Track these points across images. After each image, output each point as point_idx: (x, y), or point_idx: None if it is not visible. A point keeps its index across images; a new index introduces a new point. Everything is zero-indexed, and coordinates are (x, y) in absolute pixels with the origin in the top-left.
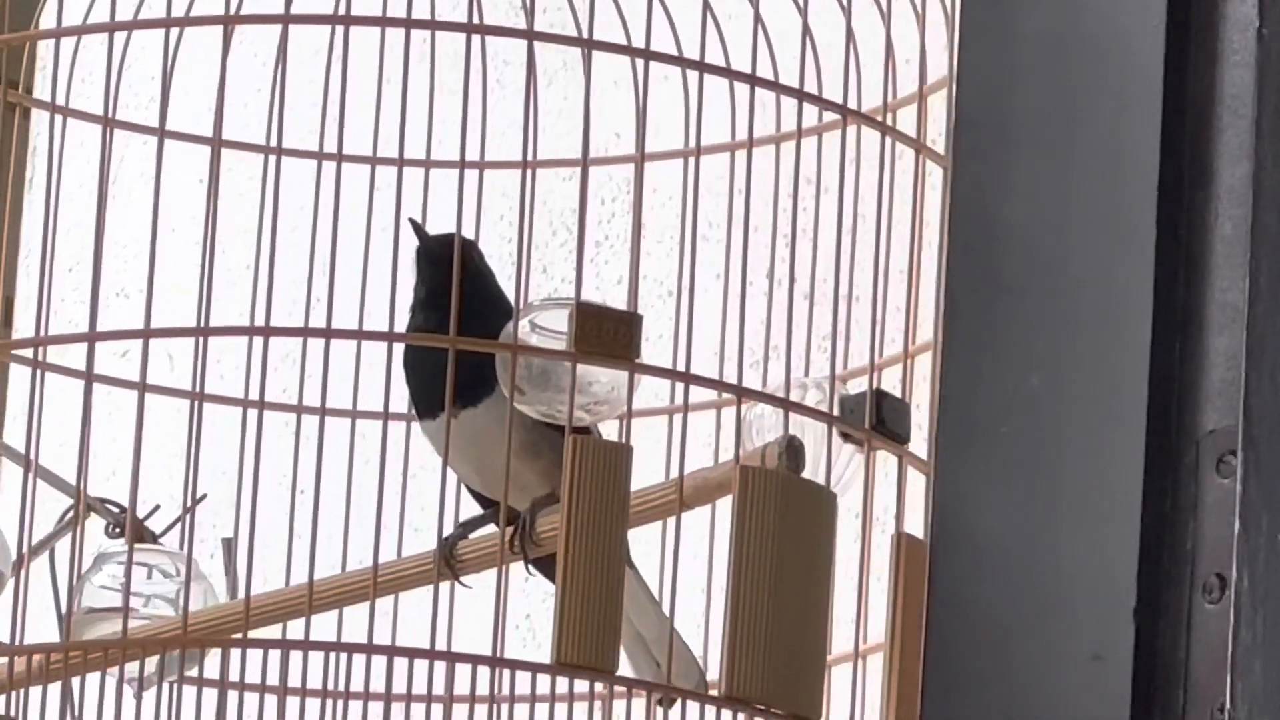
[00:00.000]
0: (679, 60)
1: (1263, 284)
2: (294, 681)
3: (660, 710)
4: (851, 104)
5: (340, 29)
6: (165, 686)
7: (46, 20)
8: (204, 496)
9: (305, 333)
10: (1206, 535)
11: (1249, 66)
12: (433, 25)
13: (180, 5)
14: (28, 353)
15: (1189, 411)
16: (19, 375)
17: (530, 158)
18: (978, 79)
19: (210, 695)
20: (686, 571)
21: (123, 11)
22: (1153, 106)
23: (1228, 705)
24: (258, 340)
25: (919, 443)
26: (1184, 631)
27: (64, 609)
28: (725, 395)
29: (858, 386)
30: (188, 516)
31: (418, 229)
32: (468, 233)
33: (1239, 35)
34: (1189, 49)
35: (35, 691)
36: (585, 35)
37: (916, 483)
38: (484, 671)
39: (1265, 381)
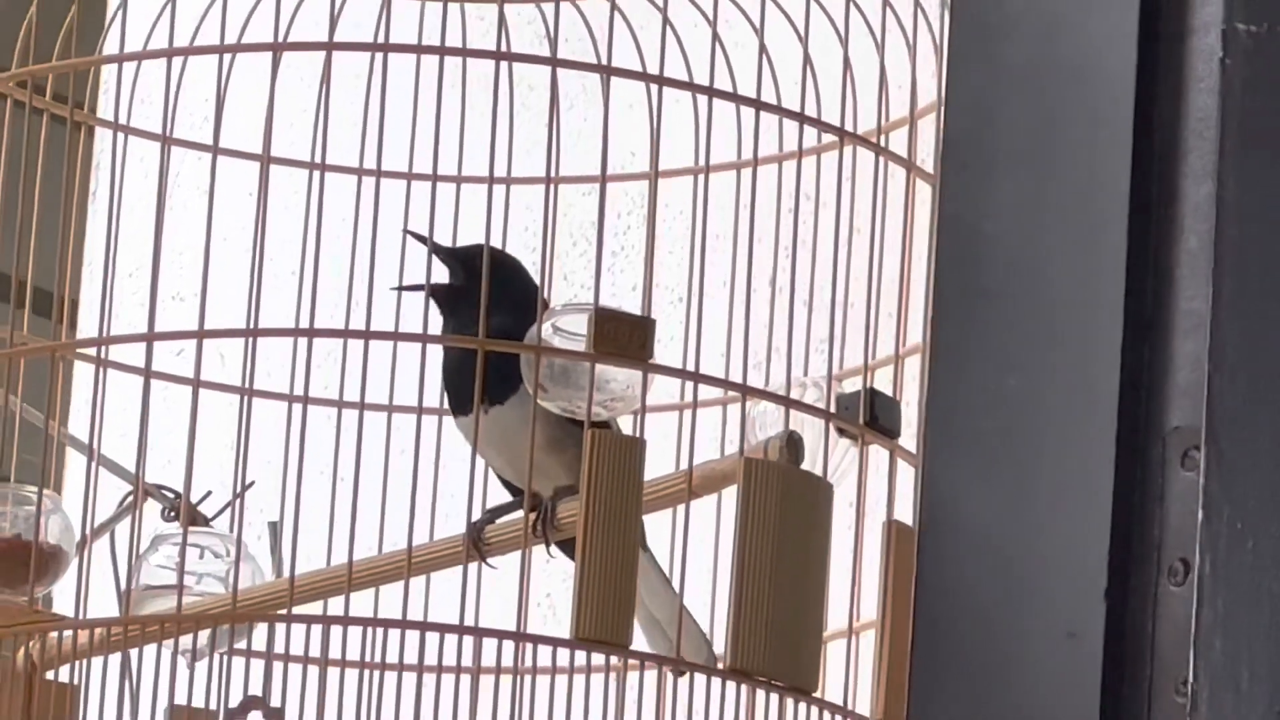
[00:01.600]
0: (690, 86)
1: (1225, 293)
2: (334, 654)
3: (670, 681)
4: (848, 127)
5: (379, 55)
6: (216, 658)
7: (110, 46)
8: (252, 483)
9: (346, 334)
10: (1171, 524)
11: (1213, 93)
12: (464, 53)
13: (232, 33)
14: (91, 351)
15: (1156, 410)
16: (83, 372)
17: (553, 174)
18: (963, 104)
19: (257, 666)
20: (695, 555)
21: (180, 38)
22: (1124, 130)
23: (1190, 679)
24: (302, 340)
25: (909, 437)
26: (1151, 611)
27: (123, 586)
28: (731, 393)
29: (853, 385)
30: (237, 502)
31: (423, 240)
32: (495, 243)
33: (1204, 65)
34: (1158, 77)
35: (96, 662)
36: (604, 62)
37: (906, 474)
38: (508, 646)
39: (1227, 383)
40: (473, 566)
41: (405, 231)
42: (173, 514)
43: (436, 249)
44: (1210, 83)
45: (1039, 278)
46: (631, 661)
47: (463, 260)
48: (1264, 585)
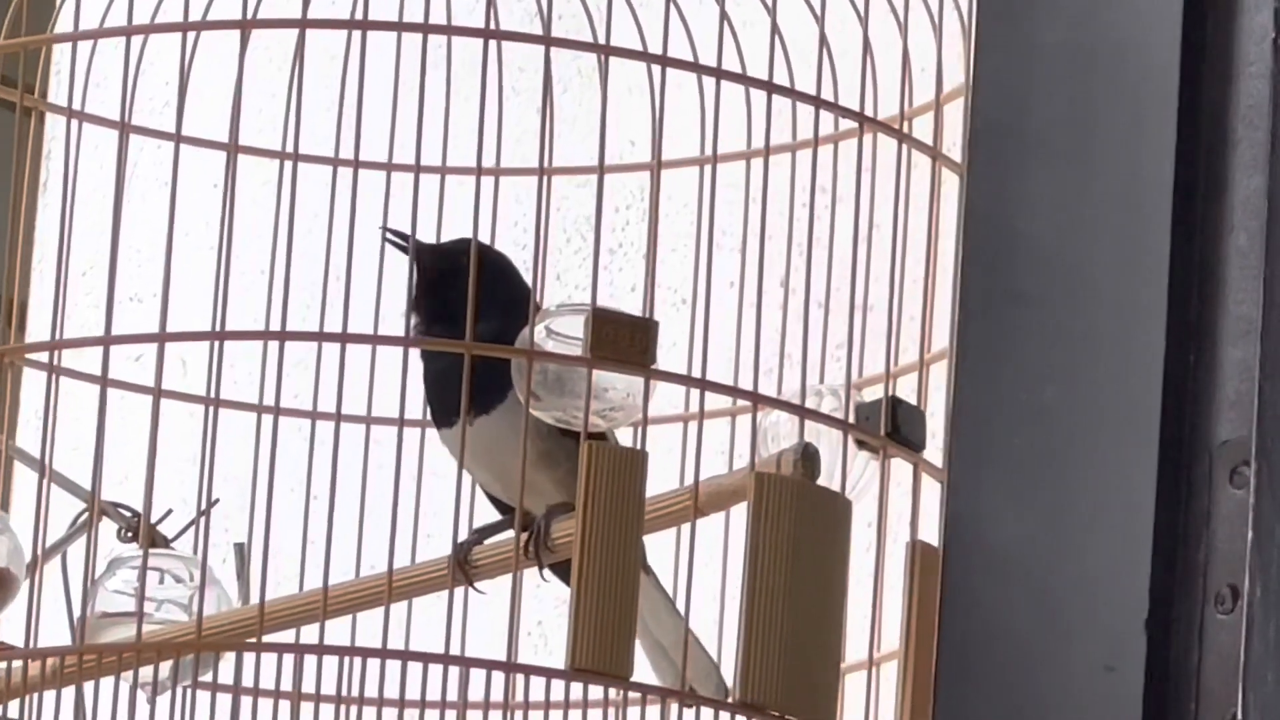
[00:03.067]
0: (695, 67)
1: (1277, 296)
2: (308, 687)
3: (676, 715)
4: (868, 112)
5: (357, 34)
6: (179, 691)
7: (63, 24)
8: (217, 501)
9: (320, 337)
10: (1219, 546)
11: (1265, 78)
12: (449, 31)
13: (196, 9)
14: (42, 357)
15: (1202, 422)
16: (33, 379)
17: (546, 164)
18: (994, 88)
19: (224, 700)
20: (701, 578)
21: (139, 15)
22: (1168, 117)
23: (1239, 715)
24: (272, 345)
25: (934, 451)
26: (1196, 642)
27: (77, 613)
28: (740, 402)
29: (873, 394)
30: (201, 521)
31: (404, 238)
32: (483, 239)
33: (1255, 47)
34: (1205, 60)
35: (49, 696)
36: (602, 42)
37: (931, 491)
38: (498, 677)
39: (1279, 394)
40: (459, 591)
41: (383, 229)
42: (131, 535)
43: (419, 248)
44: (1262, 66)
45: (1075, 279)
46: (633, 695)
47: (447, 258)
48: None
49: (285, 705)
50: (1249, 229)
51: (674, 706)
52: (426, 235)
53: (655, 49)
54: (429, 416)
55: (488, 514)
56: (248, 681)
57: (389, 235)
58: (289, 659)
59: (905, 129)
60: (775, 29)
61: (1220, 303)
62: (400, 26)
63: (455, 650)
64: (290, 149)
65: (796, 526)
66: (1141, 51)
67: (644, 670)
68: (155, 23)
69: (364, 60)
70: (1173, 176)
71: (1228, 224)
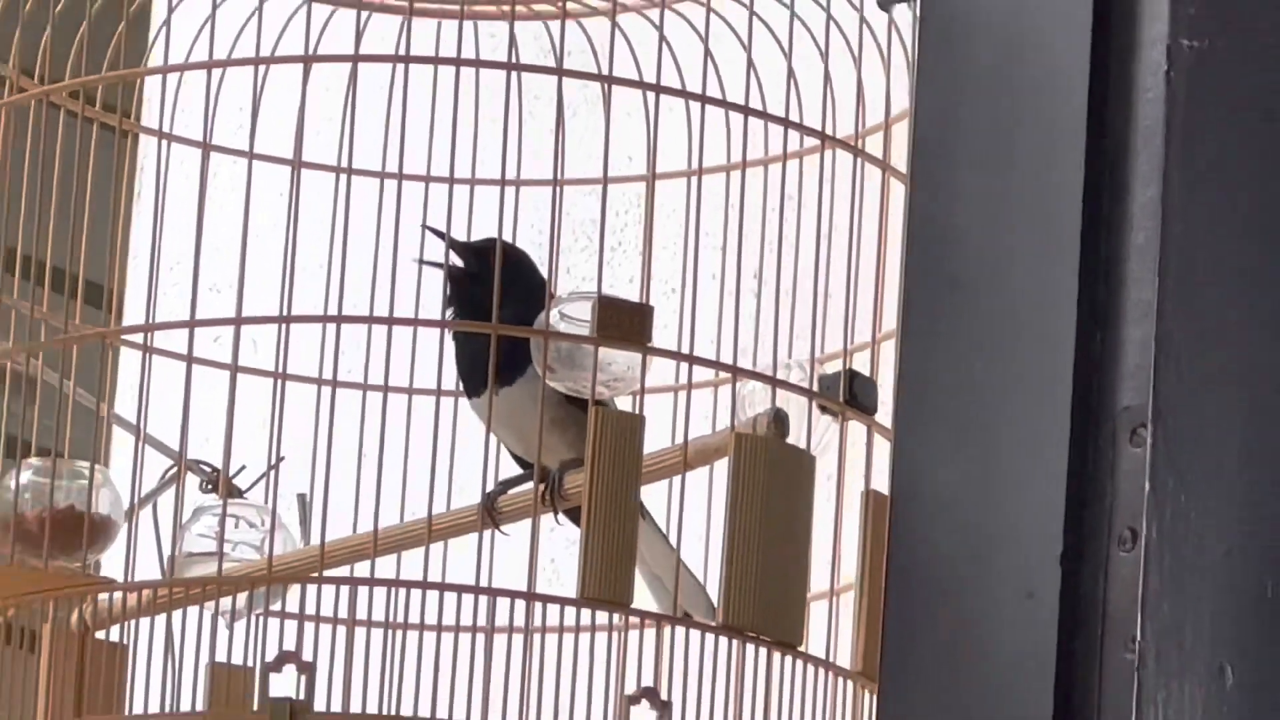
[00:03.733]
0: (683, 94)
1: (1170, 285)
2: (360, 614)
3: (669, 636)
4: (828, 131)
5: (401, 67)
6: (252, 618)
7: (154, 59)
8: (283, 459)
9: (370, 320)
10: (1121, 495)
11: (1159, 103)
12: (478, 64)
13: (266, 46)
14: (137, 338)
15: (1107, 391)
16: (130, 357)
17: (559, 176)
18: (932, 111)
19: (290, 626)
20: (689, 523)
21: (218, 52)
22: (1078, 135)
23: (1138, 637)
24: (330, 327)
25: (884, 414)
26: (1102, 575)
27: (167, 553)
28: (722, 374)
29: (833, 367)
30: (270, 475)
31: (440, 235)
32: (506, 239)
33: (1151, 78)
34: (1110, 87)
35: (143, 623)
36: (605, 73)
37: (882, 448)
38: (520, 605)
39: (1172, 366)
40: (486, 533)
41: (424, 227)
42: (211, 487)
43: (453, 242)
44: (1156, 93)
45: (1001, 270)
46: (633, 620)
47: (476, 253)
48: (1205, 551)
49: (341, 630)
50: (1146, 229)
51: (668, 629)
52: (458, 236)
53: (650, 79)
54: (461, 388)
55: (510, 469)
56: (310, 610)
57: (430, 228)
58: (344, 590)
59: (859, 145)
60: (750, 63)
61: (1123, 290)
62: (437, 60)
63: (484, 582)
64: (345, 164)
65: (769, 478)
66: (1056, 79)
67: (642, 599)
68: (231, 58)
69: (406, 89)
70: (1082, 184)
71: (1129, 224)
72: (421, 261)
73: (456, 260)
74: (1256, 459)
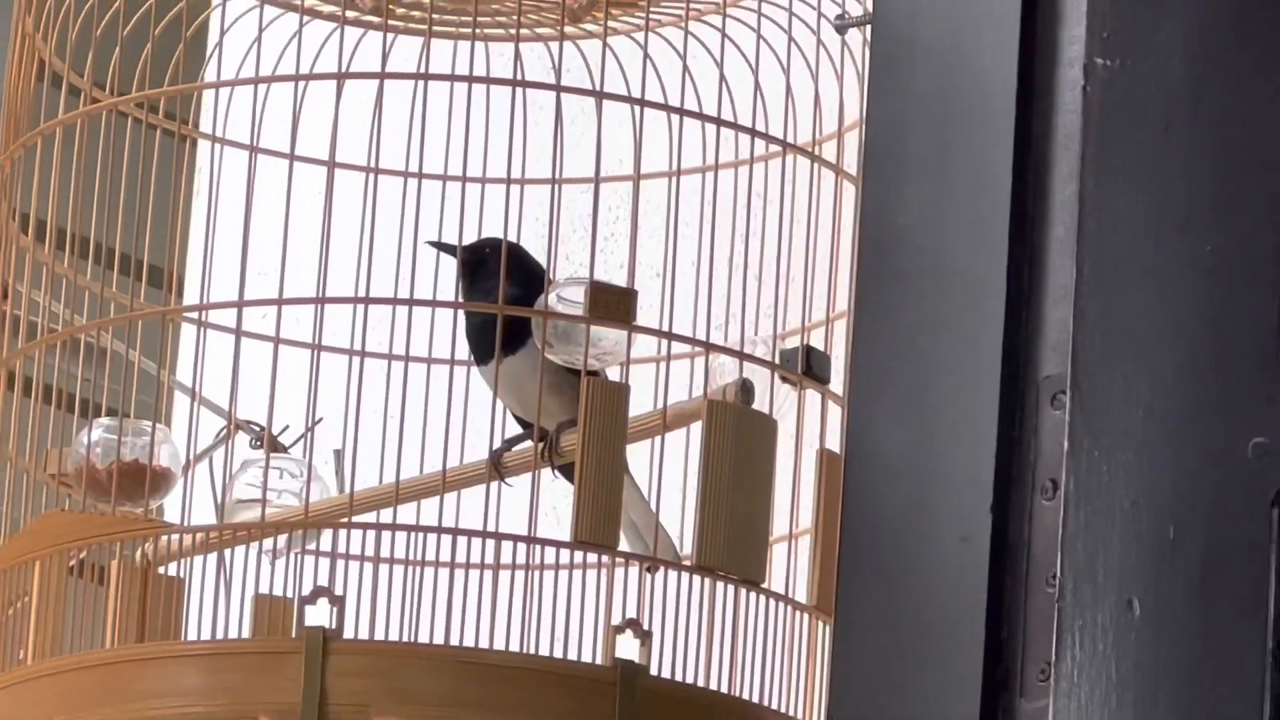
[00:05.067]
0: (665, 107)
1: (1085, 271)
2: (384, 554)
3: (649, 576)
4: (789, 139)
5: (421, 83)
6: (291, 557)
7: (209, 75)
8: (320, 419)
9: (394, 301)
10: (1043, 451)
11: (1076, 114)
12: (489, 80)
13: (305, 64)
14: (193, 315)
15: (1032, 362)
16: (187, 331)
17: (557, 176)
18: (880, 121)
19: (324, 564)
20: (669, 476)
21: (263, 68)
22: (1006, 143)
23: (1058, 574)
24: (360, 306)
25: (837, 384)
26: (1027, 521)
27: (219, 500)
28: (697, 349)
29: (793, 343)
30: (308, 434)
31: (451, 249)
32: (512, 230)
33: (1069, 93)
34: (1034, 101)
35: (197, 560)
36: (597, 88)
37: (835, 413)
38: (522, 547)
39: (1086, 341)
40: (493, 484)
41: (430, 243)
42: (258, 444)
43: (463, 250)
44: (1074, 106)
45: (940, 259)
46: (619, 560)
47: (478, 250)
48: (1115, 500)
49: (368, 568)
50: (1065, 223)
51: (647, 569)
52: (470, 228)
53: (636, 93)
54: (471, 358)
55: (513, 429)
56: (341, 550)
57: (434, 244)
58: (371, 533)
59: (816, 151)
60: (722, 79)
61: (1045, 276)
62: (453, 77)
63: (491, 527)
64: (373, 165)
65: (737, 439)
66: (987, 94)
67: (626, 543)
68: (275, 74)
69: (426, 101)
70: (1010, 185)
71: (1050, 220)
72: (437, 245)
73: (463, 255)
74: (1158, 420)
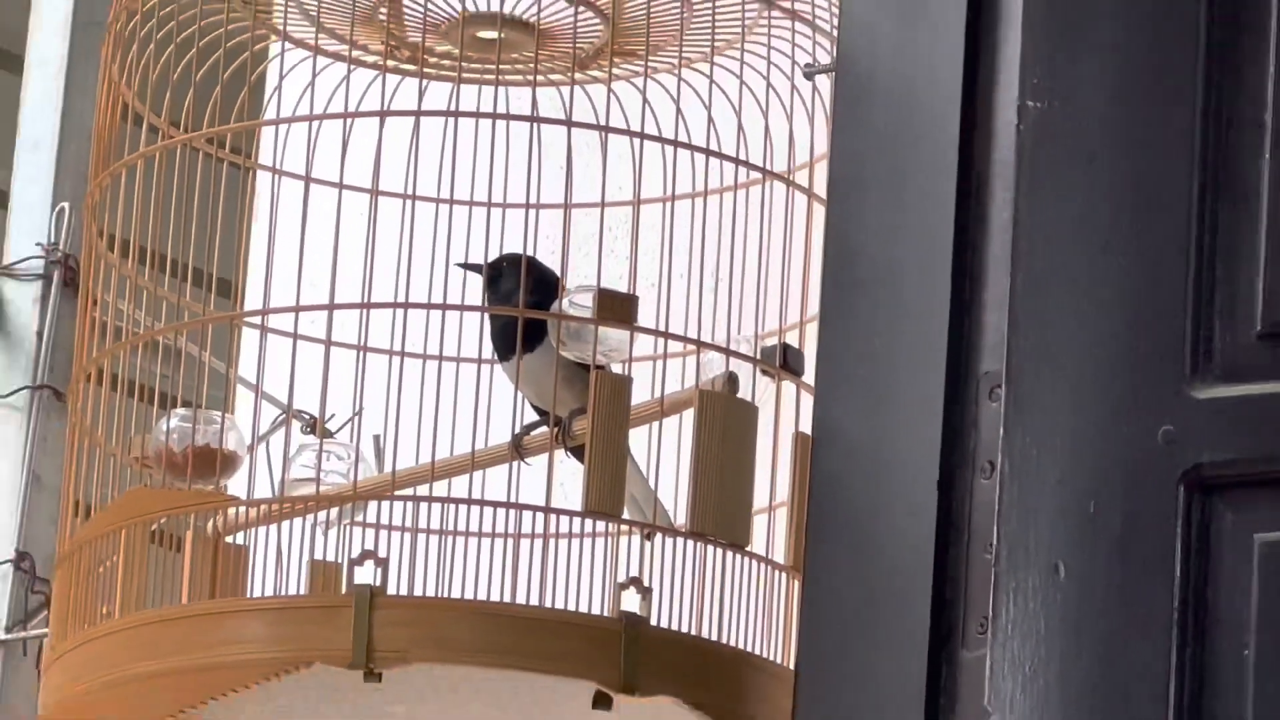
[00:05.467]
0: (660, 140)
1: (1018, 283)
2: (421, 524)
3: (648, 541)
4: (768, 167)
5: (451, 120)
6: (340, 527)
7: (268, 114)
8: (363, 409)
9: (428, 306)
10: (982, 437)
11: (1011, 149)
12: (509, 117)
13: (352, 104)
14: (256, 320)
15: (974, 360)
16: (250, 335)
17: (568, 201)
18: (844, 152)
19: (369, 533)
20: (666, 455)
21: (315, 108)
22: (951, 172)
23: (995, 543)
24: (399, 312)
25: (809, 376)
26: (968, 497)
27: (277, 478)
28: (689, 347)
29: (772, 341)
30: (354, 421)
31: (469, 266)
32: (529, 247)
33: (1005, 130)
34: (975, 137)
35: (261, 530)
36: (602, 124)
37: (807, 402)
38: (539, 516)
39: (1019, 343)
40: (515, 464)
41: (459, 264)
42: (310, 430)
43: (487, 265)
44: (1009, 141)
45: (895, 272)
46: (623, 528)
47: (499, 265)
48: (1044, 479)
49: (407, 535)
50: (1002, 242)
51: (646, 535)
52: (495, 244)
53: (635, 129)
54: (495, 356)
55: (530, 416)
56: (384, 520)
57: (462, 264)
58: (409, 505)
59: (791, 178)
60: (710, 117)
61: (984, 287)
62: (478, 115)
63: (513, 499)
64: (410, 191)
65: (724, 423)
66: (935, 130)
67: (629, 514)
68: (326, 112)
69: (456, 136)
70: (955, 209)
71: (989, 240)
72: (464, 266)
73: (487, 272)
74: (1081, 411)
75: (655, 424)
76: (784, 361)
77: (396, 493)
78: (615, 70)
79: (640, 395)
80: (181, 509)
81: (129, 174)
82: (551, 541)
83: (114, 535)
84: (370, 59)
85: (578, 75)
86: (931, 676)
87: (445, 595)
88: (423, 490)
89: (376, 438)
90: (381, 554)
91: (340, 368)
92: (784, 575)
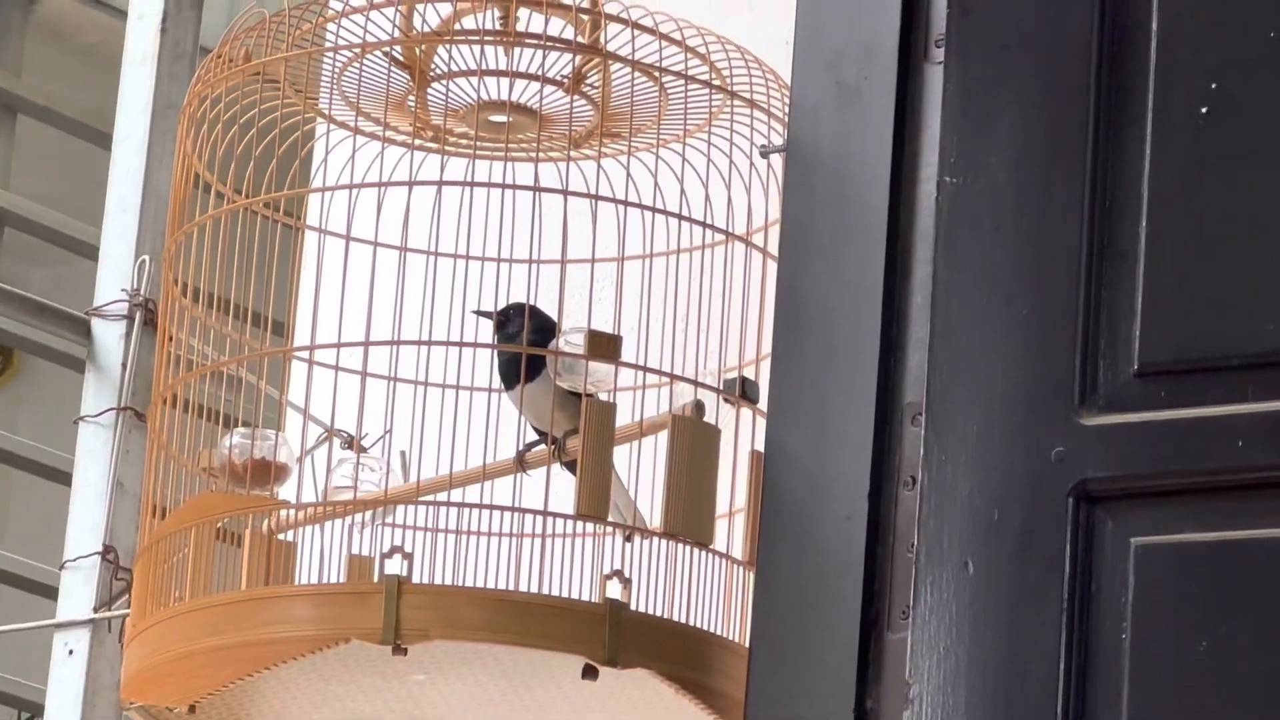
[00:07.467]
0: (640, 206)
1: (937, 327)
2: (440, 525)
3: (628, 541)
4: (731, 229)
5: (467, 189)
6: (375, 527)
7: (315, 182)
8: (392, 429)
9: (447, 344)
10: (906, 455)
11: (931, 215)
12: (515, 187)
13: (385, 174)
14: (304, 354)
15: (899, 392)
16: (299, 367)
17: (563, 257)
18: (793, 217)
19: (398, 532)
20: (644, 469)
21: (355, 178)
22: (881, 236)
23: (915, 543)
24: (424, 348)
25: (764, 404)
26: (894, 505)
27: (321, 485)
28: (664, 379)
29: (732, 375)
30: (384, 439)
31: (481, 313)
32: (530, 296)
33: (926, 199)
34: (901, 205)
35: (306, 529)
36: (592, 192)
37: (761, 425)
38: (538, 519)
39: (936, 378)
40: (518, 475)
41: (474, 312)
42: (348, 446)
43: (497, 312)
44: (929, 209)
45: (833, 318)
46: (608, 529)
47: (506, 312)
48: (957, 491)
49: (428, 535)
50: (924, 292)
51: (627, 536)
52: (503, 293)
53: (619, 196)
54: (501, 386)
55: (530, 436)
56: (410, 522)
57: (477, 311)
58: (430, 509)
59: (749, 239)
60: (682, 189)
61: (908, 330)
62: (489, 185)
63: (517, 504)
64: (433, 249)
65: (693, 442)
66: (866, 197)
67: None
68: (363, 182)
69: (472, 202)
70: (884, 264)
71: (912, 292)
72: (478, 313)
73: (497, 317)
74: (987, 434)
75: (635, 443)
76: (742, 392)
77: (420, 499)
78: (604, 149)
79: (623, 419)
80: (241, 511)
81: (199, 232)
82: (548, 540)
83: (185, 532)
84: (400, 138)
85: (573, 153)
86: (862, 654)
87: (460, 584)
88: (441, 496)
89: (403, 453)
90: (407, 549)
91: (374, 394)
92: (741, 569)
